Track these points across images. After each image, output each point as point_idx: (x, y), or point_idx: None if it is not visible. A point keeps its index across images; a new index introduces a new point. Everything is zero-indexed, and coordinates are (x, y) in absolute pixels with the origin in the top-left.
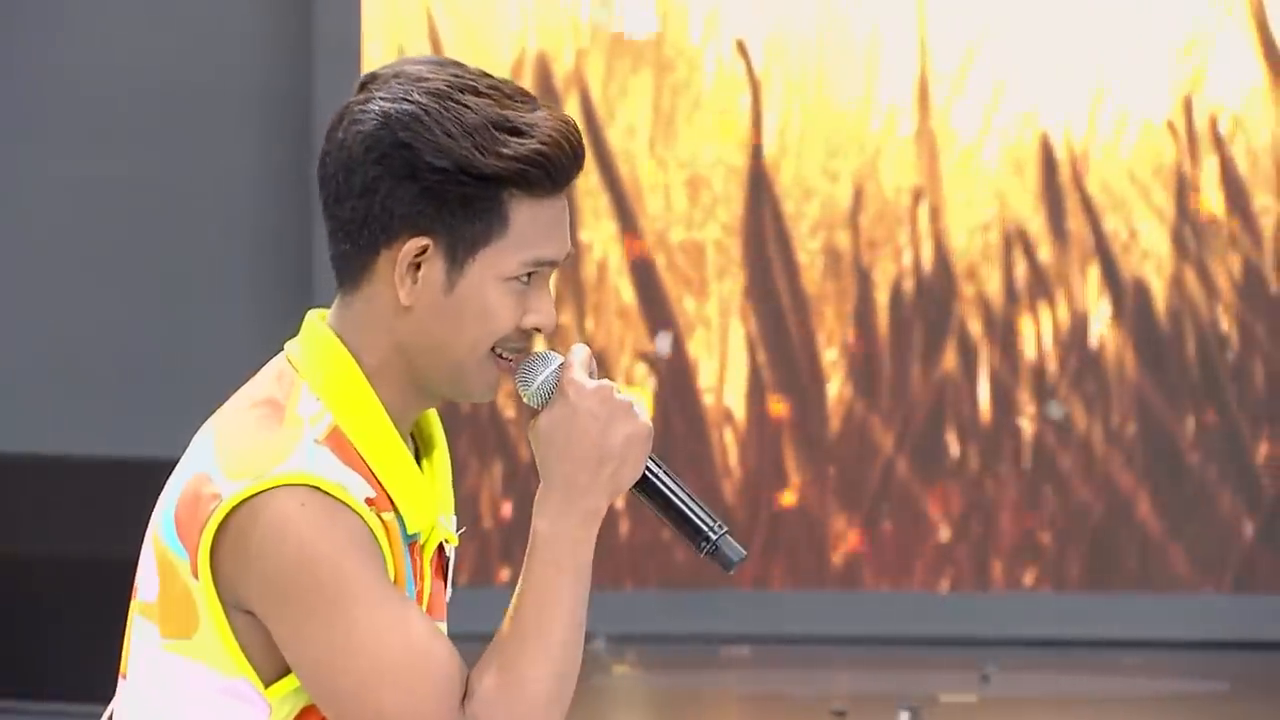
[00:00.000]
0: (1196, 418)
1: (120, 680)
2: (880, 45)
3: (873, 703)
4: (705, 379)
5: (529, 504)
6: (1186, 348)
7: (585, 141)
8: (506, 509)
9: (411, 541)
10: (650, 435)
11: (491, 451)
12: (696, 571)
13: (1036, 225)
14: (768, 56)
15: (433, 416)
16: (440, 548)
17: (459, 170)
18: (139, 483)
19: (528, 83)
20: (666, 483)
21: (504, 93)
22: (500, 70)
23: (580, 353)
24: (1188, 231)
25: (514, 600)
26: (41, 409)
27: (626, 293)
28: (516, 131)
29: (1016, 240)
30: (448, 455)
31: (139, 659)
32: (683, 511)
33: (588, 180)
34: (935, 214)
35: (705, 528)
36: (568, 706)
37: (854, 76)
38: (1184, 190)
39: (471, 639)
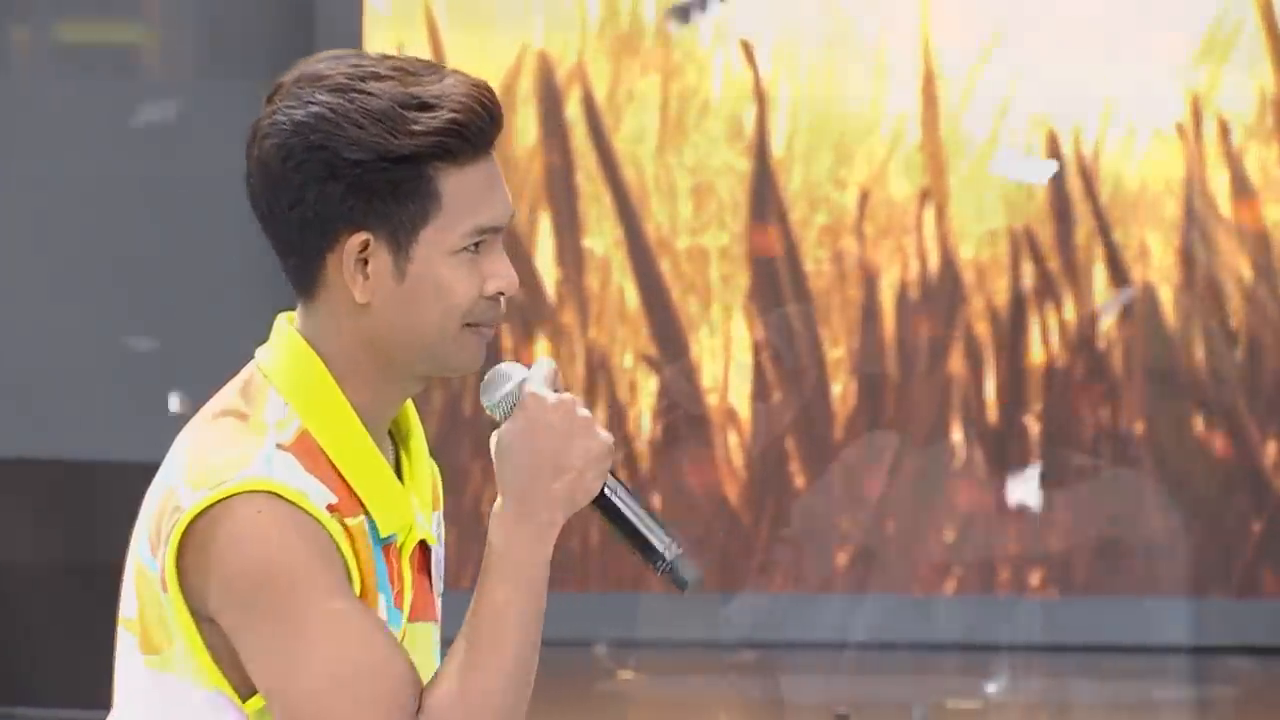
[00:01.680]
0: (1203, 421)
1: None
2: (888, 52)
3: (878, 707)
4: (709, 380)
5: None
6: (1195, 354)
7: (587, 144)
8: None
9: (387, 544)
10: (610, 452)
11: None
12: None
13: (1045, 233)
14: (775, 63)
15: (409, 411)
16: (423, 546)
17: (376, 158)
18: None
19: (529, 83)
20: (624, 500)
21: (408, 71)
22: (500, 71)
23: (544, 366)
24: (1198, 239)
25: (468, 614)
26: (41, 410)
27: (631, 298)
28: (425, 106)
29: (1025, 248)
30: (426, 449)
31: (124, 676)
32: (637, 530)
33: (592, 185)
34: (943, 222)
35: (660, 546)
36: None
37: (862, 84)
38: (1195, 198)
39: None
